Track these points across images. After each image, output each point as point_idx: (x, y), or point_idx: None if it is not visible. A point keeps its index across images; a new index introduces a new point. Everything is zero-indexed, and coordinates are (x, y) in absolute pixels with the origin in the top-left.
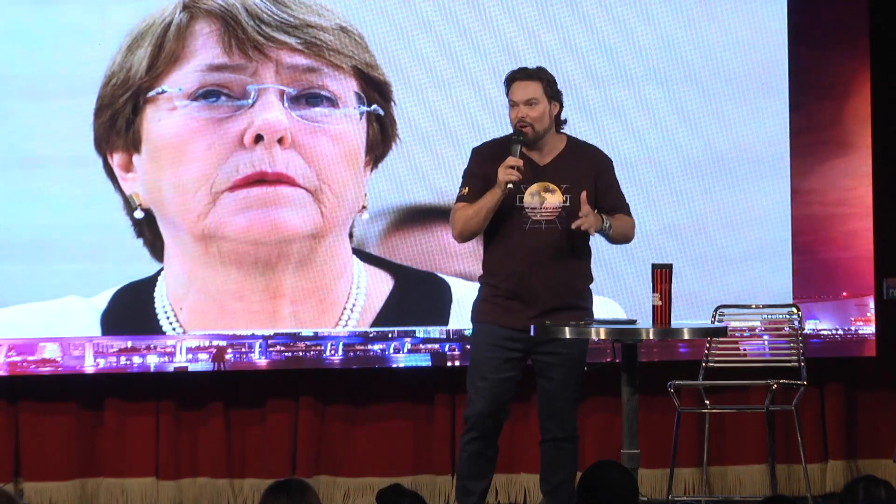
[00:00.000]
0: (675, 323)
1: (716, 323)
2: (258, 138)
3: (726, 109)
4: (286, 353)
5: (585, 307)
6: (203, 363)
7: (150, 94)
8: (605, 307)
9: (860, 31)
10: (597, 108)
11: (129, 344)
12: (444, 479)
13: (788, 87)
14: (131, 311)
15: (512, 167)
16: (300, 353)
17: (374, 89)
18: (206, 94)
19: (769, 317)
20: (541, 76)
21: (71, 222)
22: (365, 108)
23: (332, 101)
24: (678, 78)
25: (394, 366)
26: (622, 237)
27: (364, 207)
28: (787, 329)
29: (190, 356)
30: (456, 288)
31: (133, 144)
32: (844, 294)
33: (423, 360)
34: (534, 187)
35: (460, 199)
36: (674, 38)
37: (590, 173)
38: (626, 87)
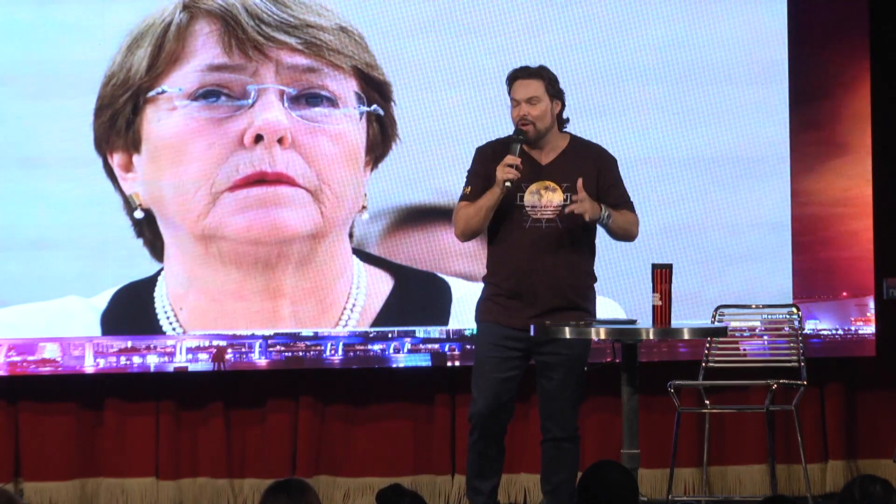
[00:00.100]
0: (675, 323)
1: (716, 323)
2: (258, 138)
3: (726, 109)
4: (286, 353)
5: (587, 307)
6: (203, 363)
7: (150, 94)
8: (605, 307)
9: (860, 31)
10: (597, 109)
11: (129, 344)
12: (444, 479)
13: (788, 87)
14: (131, 311)
15: (510, 166)
16: (300, 353)
17: (374, 89)
18: (206, 94)
19: (769, 317)
20: (543, 74)
21: (71, 222)
22: (365, 108)
23: (332, 101)
24: (678, 78)
25: (394, 366)
26: (624, 232)
27: (364, 207)
28: (787, 329)
29: (190, 356)
30: (456, 288)
31: (133, 144)
32: (844, 294)
33: (423, 360)
34: (534, 186)
35: (463, 198)
36: (674, 38)
37: (591, 172)
38: (626, 87)
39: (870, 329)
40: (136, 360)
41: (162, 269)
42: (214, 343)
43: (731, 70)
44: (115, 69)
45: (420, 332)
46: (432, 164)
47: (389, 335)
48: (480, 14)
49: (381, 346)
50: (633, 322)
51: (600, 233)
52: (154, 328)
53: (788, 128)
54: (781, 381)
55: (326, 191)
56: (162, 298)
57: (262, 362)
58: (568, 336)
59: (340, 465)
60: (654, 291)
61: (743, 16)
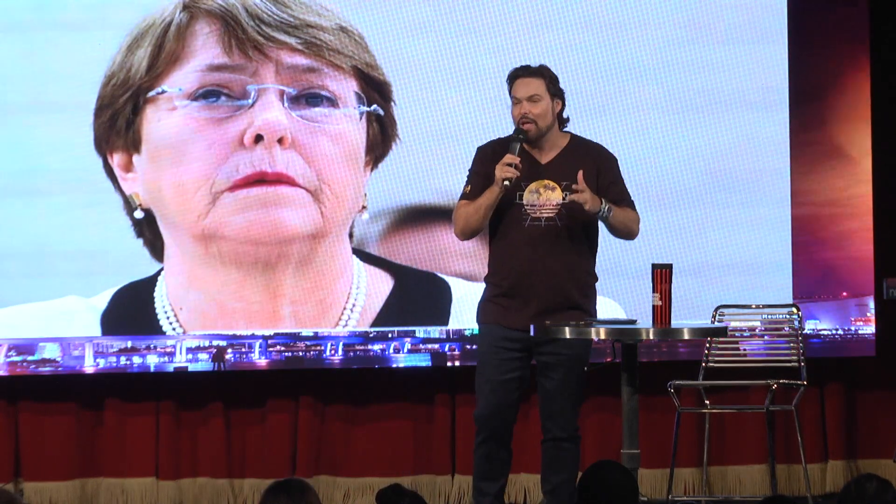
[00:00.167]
0: (675, 323)
1: (716, 323)
2: (258, 138)
3: (726, 110)
4: (286, 353)
5: (587, 306)
6: (203, 363)
7: (150, 94)
8: (605, 307)
9: (860, 31)
10: (597, 109)
11: (129, 344)
12: (444, 479)
13: (789, 87)
14: (131, 311)
15: (509, 165)
16: (300, 353)
17: (374, 89)
18: (206, 94)
19: (769, 317)
20: (543, 73)
21: (71, 222)
22: (365, 108)
23: (332, 101)
24: (678, 78)
25: (394, 366)
26: (624, 227)
27: (364, 207)
28: (787, 329)
29: (190, 356)
30: (456, 288)
31: (133, 144)
32: (844, 294)
33: (423, 360)
34: (533, 185)
35: (463, 196)
36: (674, 38)
37: (591, 170)
38: (626, 87)
39: (870, 329)
40: (136, 360)
41: (162, 269)
42: (214, 343)
43: (731, 71)
44: (115, 69)
45: (420, 332)
46: (432, 164)
47: (389, 335)
48: (480, 14)
49: (381, 346)
50: (633, 322)
51: (603, 232)
52: (154, 328)
53: (788, 128)
54: (781, 381)
55: (326, 191)
56: (162, 298)
57: (262, 362)
58: (568, 336)
59: (340, 465)
60: (654, 291)
61: (743, 16)
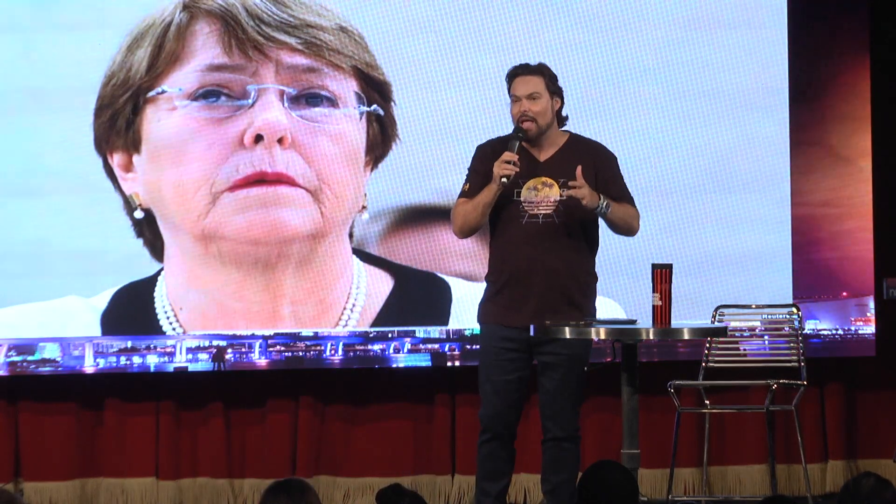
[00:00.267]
0: (675, 323)
1: (716, 323)
2: (258, 138)
3: (726, 110)
4: (286, 353)
5: (586, 304)
6: (203, 363)
7: (150, 94)
8: (605, 307)
9: (860, 31)
10: (597, 109)
11: (129, 344)
12: (444, 479)
13: (788, 87)
14: (131, 311)
15: (508, 162)
16: (300, 353)
17: (374, 89)
18: (206, 94)
19: (769, 317)
20: (543, 71)
21: (71, 222)
22: (365, 108)
23: (332, 101)
24: (678, 78)
25: (394, 366)
26: (623, 224)
27: (364, 207)
28: (787, 329)
29: (190, 356)
30: (456, 288)
31: (133, 144)
32: (844, 294)
33: (423, 360)
34: (531, 182)
35: (461, 194)
36: (673, 38)
37: (589, 168)
38: (627, 87)
39: (870, 329)
40: (136, 360)
41: (162, 269)
42: (214, 343)
43: (731, 71)
44: (115, 69)
45: (420, 332)
46: (432, 164)
47: (389, 335)
48: (480, 14)
49: (381, 346)
50: (633, 322)
51: (602, 231)
52: (154, 328)
53: (788, 128)
54: (781, 381)
55: (326, 191)
56: (162, 298)
57: (262, 362)
58: (568, 336)
59: (340, 465)
60: (654, 291)
61: (743, 16)
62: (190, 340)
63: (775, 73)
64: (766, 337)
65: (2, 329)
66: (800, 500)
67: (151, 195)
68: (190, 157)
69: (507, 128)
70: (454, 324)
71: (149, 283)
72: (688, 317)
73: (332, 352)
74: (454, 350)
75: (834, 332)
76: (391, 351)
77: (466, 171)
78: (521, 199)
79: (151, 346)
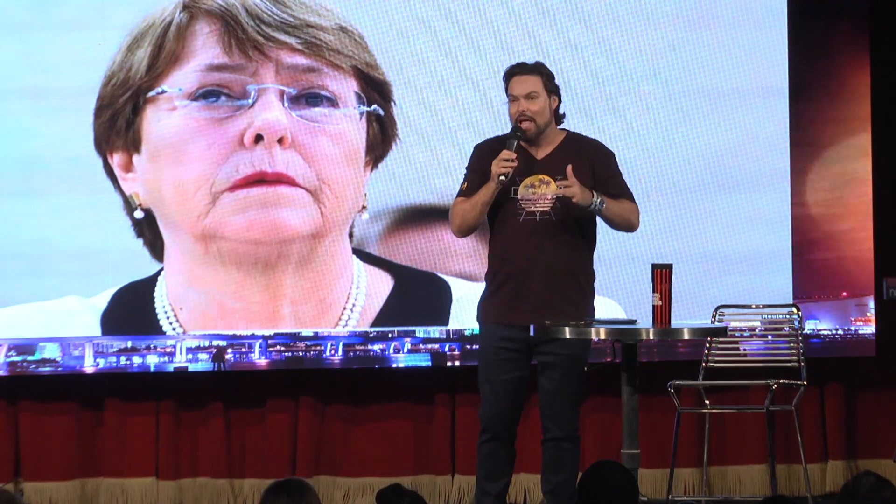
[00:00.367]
0: (675, 323)
1: (716, 323)
2: (258, 138)
3: (726, 110)
4: (286, 353)
5: (584, 303)
6: (203, 363)
7: (150, 94)
8: (605, 307)
9: (860, 31)
10: (597, 109)
11: (129, 344)
12: (444, 479)
13: (788, 87)
14: (131, 311)
15: (506, 160)
16: (300, 353)
17: (374, 89)
18: (206, 94)
19: (769, 317)
20: (540, 70)
21: (71, 222)
22: (365, 108)
23: (332, 101)
24: (678, 77)
25: (394, 366)
26: (622, 220)
27: (364, 207)
28: (787, 329)
29: (190, 356)
30: (456, 288)
31: (133, 144)
32: (844, 294)
33: (423, 360)
34: (528, 180)
35: (459, 194)
36: (673, 38)
37: (587, 166)
38: (626, 87)
39: (870, 329)
40: (136, 360)
41: (162, 269)
42: (214, 343)
43: (731, 71)
44: (115, 69)
45: (420, 332)
46: (432, 164)
47: (389, 335)
48: (480, 14)
49: (381, 346)
50: (633, 322)
51: (602, 231)
52: (154, 328)
53: (788, 128)
54: (781, 381)
55: (326, 191)
56: (162, 298)
57: (262, 362)
58: (568, 336)
59: (340, 465)
60: (654, 291)
61: (743, 16)
62: (190, 340)
63: (775, 73)
64: (766, 337)
65: (2, 329)
66: (800, 500)
67: (151, 195)
68: (190, 157)
69: (506, 127)
70: (454, 324)
71: (149, 283)
72: (688, 317)
73: (332, 352)
74: (454, 350)
75: (834, 332)
76: (391, 351)
77: (464, 171)
78: (519, 196)
79: (151, 346)
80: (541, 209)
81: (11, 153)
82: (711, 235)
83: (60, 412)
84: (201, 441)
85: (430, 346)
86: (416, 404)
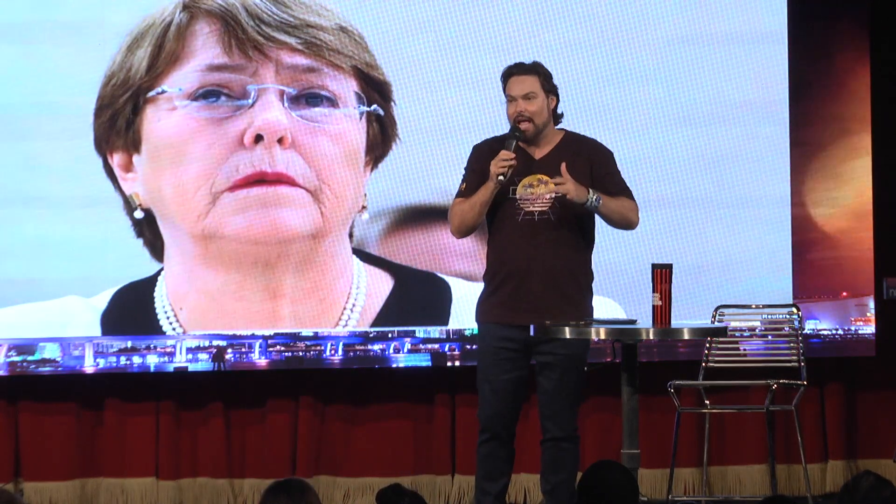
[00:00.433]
0: (675, 323)
1: (716, 323)
2: (258, 138)
3: (726, 110)
4: (286, 353)
5: (582, 300)
6: (203, 363)
7: (150, 94)
8: (605, 307)
9: (860, 31)
10: (597, 109)
11: (129, 344)
12: (444, 479)
13: (788, 87)
14: (131, 311)
15: (504, 160)
16: (300, 353)
17: (374, 89)
18: (206, 94)
19: (769, 317)
20: (538, 70)
21: (71, 222)
22: (365, 108)
23: (332, 101)
24: (678, 77)
25: (394, 366)
26: (619, 217)
27: (364, 207)
28: (787, 329)
29: (190, 356)
30: (456, 288)
31: (133, 144)
32: (844, 294)
33: (423, 360)
34: (527, 179)
35: (458, 194)
36: (673, 38)
37: (584, 165)
38: (627, 89)
39: (870, 329)
40: (136, 360)
41: (162, 269)
42: (214, 343)
43: (731, 71)
44: (115, 69)
45: (420, 332)
46: (432, 164)
47: (389, 335)
48: (480, 14)
49: (381, 346)
50: (633, 322)
51: (602, 231)
52: (154, 328)
53: (788, 127)
54: (781, 381)
55: (326, 191)
56: (162, 298)
57: (262, 362)
58: (567, 336)
59: (340, 465)
60: (654, 291)
61: (743, 15)
62: (190, 340)
63: (775, 74)
64: (766, 337)
65: (2, 329)
66: (800, 500)
67: (151, 195)
68: (190, 157)
69: (506, 127)
70: (454, 324)
71: (149, 283)
72: (688, 317)
73: (332, 352)
74: (454, 350)
75: (834, 332)
76: (391, 351)
77: (463, 171)
78: (517, 196)
79: (151, 346)
80: (539, 209)
81: (11, 153)
82: (711, 235)
83: (60, 412)
84: (201, 441)
85: (429, 346)
86: (416, 404)
